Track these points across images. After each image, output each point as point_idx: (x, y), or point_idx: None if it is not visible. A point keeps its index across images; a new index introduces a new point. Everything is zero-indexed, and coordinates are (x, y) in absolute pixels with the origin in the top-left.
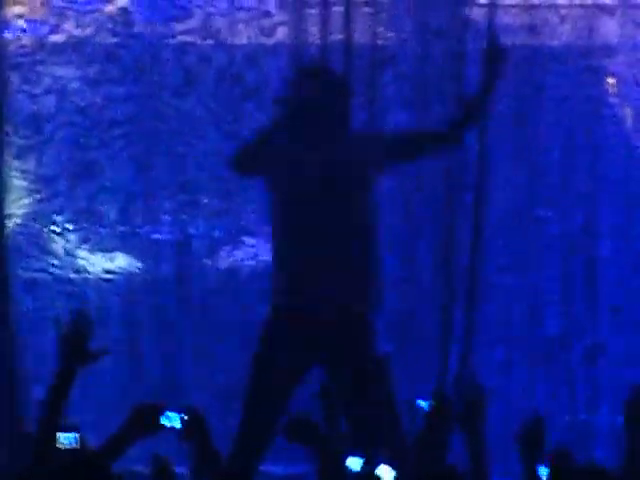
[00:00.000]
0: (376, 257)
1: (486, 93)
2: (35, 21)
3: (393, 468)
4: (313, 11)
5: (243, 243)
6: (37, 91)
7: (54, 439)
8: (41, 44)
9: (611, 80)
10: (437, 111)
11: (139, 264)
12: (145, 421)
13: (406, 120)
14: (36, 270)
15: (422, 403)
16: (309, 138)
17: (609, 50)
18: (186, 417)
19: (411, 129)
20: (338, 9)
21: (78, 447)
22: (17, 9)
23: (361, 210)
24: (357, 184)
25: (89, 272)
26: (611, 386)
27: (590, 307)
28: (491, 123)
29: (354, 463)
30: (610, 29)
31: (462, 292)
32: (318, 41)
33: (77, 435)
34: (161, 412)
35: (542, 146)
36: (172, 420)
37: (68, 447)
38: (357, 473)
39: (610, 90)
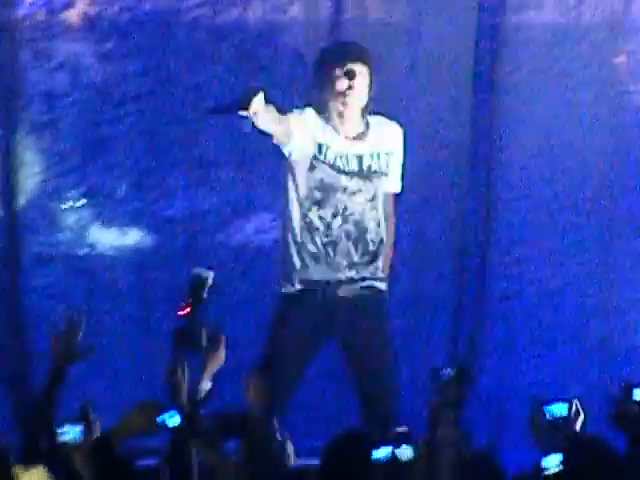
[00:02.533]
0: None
1: None
2: None
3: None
4: None
5: (255, 217)
6: (50, 67)
7: (49, 433)
8: (54, 20)
9: None
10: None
11: (151, 240)
12: (146, 419)
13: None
14: (47, 246)
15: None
16: None
17: None
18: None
19: None
20: None
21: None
22: None
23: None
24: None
25: (101, 248)
26: None
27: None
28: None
29: (381, 453)
30: None
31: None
32: (333, 17)
33: (82, 428)
34: (162, 411)
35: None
36: (171, 420)
37: (72, 441)
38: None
39: None
